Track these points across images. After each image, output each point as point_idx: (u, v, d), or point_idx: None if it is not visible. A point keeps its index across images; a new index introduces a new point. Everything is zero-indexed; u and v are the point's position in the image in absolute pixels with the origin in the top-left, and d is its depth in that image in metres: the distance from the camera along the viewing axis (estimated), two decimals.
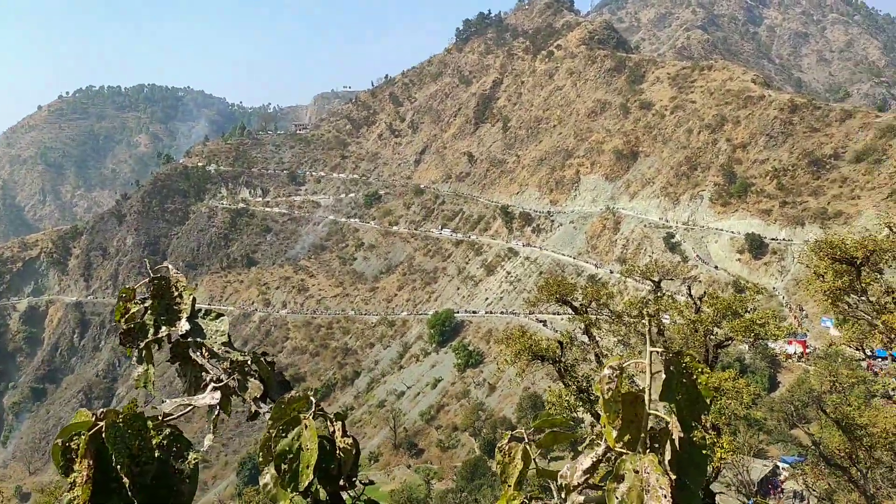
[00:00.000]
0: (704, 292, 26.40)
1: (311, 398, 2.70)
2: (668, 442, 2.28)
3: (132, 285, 3.28)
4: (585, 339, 24.92)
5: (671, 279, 30.63)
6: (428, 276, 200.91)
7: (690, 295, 26.80)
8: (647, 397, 2.31)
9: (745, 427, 46.67)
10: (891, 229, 21.53)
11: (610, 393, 2.33)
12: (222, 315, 3.24)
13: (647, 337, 2.46)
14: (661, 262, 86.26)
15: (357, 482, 2.80)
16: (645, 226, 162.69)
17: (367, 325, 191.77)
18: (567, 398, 21.86)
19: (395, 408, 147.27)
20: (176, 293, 3.23)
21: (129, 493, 2.40)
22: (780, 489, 59.97)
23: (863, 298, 21.77)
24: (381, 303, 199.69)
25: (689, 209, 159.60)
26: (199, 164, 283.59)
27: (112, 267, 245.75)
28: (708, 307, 24.98)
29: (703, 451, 2.39)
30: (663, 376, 2.36)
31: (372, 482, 2.83)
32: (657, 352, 2.35)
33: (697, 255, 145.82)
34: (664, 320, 27.43)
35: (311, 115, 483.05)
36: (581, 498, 2.52)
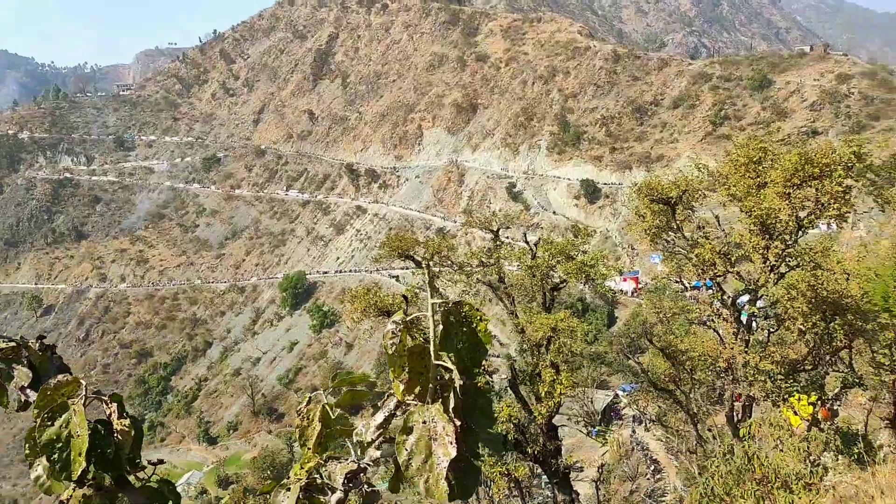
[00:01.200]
0: (539, 238, 27.85)
1: (82, 381, 2.50)
2: (452, 390, 2.30)
3: None
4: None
5: (509, 227, 31.80)
6: (276, 239, 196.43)
7: (527, 241, 28.13)
8: (431, 349, 2.33)
9: (589, 361, 49.90)
10: (699, 170, 23.42)
11: (394, 347, 2.34)
12: None
13: (429, 290, 2.40)
14: (506, 212, 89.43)
15: (144, 463, 2.64)
16: (488, 177, 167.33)
17: (216, 294, 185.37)
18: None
19: (251, 375, 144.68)
20: None
21: None
22: (620, 415, 64.98)
23: (678, 235, 23.60)
24: (229, 269, 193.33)
25: (528, 159, 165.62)
26: (10, 131, 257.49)
27: None
28: (543, 252, 26.37)
29: (487, 395, 2.43)
30: (442, 326, 2.36)
31: (162, 461, 2.78)
32: (437, 303, 2.34)
33: (538, 203, 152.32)
34: (507, 268, 28.62)
35: (135, 75, 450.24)
36: (378, 453, 2.53)
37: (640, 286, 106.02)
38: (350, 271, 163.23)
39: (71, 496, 2.46)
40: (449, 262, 26.52)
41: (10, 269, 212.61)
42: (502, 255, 26.71)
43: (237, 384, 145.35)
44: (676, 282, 25.39)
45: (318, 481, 2.59)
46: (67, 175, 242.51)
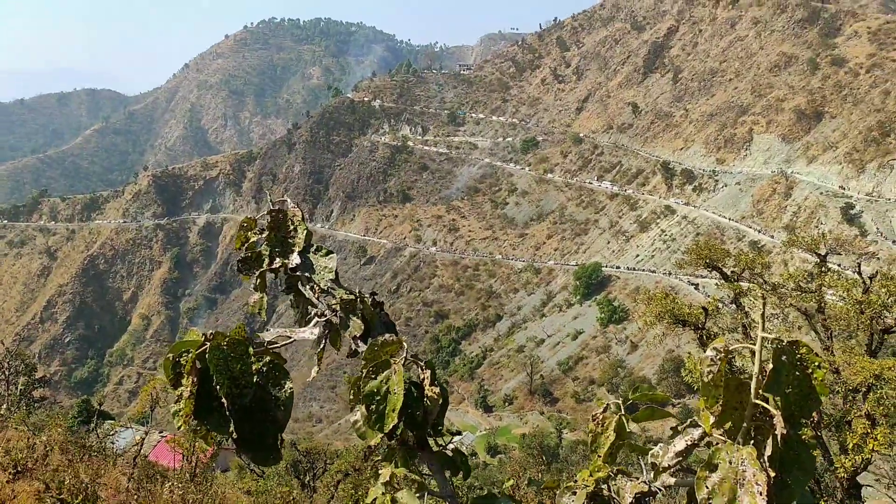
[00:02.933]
0: (877, 271, 24.13)
1: (404, 343, 2.70)
2: (771, 436, 2.09)
3: (252, 215, 3.40)
4: (734, 308, 23.65)
5: (839, 253, 28.11)
6: (578, 227, 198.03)
7: (860, 272, 24.58)
8: (753, 386, 2.13)
9: None
10: None
11: (710, 376, 2.16)
12: (332, 252, 3.30)
13: (761, 321, 2.18)
14: (837, 235, 79.85)
15: (443, 430, 2.82)
16: (822, 193, 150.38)
17: (513, 271, 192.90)
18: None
19: (533, 354, 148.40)
20: (291, 227, 3.31)
21: (228, 413, 2.51)
22: None
23: None
24: (529, 249, 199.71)
25: (875, 179, 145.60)
26: (366, 98, 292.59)
27: (280, 192, 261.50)
28: (879, 287, 22.84)
29: (811, 452, 2.21)
30: (772, 366, 2.15)
31: (459, 433, 2.89)
32: (769, 338, 2.14)
33: (878, 230, 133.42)
34: (829, 297, 25.41)
35: (476, 56, 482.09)
36: (672, 480, 2.40)
37: None
38: (648, 271, 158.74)
39: (378, 445, 2.72)
40: (761, 280, 24.21)
41: (346, 220, 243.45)
42: (826, 282, 23.68)
43: (519, 360, 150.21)
44: None
45: (605, 492, 2.57)
46: (404, 142, 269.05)
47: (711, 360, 2.18)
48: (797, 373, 2.19)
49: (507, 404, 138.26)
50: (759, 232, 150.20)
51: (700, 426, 2.29)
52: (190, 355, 2.53)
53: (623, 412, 2.59)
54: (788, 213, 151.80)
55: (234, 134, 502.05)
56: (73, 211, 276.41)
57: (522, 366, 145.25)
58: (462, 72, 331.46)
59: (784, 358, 2.18)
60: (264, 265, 3.22)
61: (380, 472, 2.81)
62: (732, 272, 24.34)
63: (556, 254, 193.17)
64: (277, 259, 3.19)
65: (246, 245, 3.34)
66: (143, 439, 30.00)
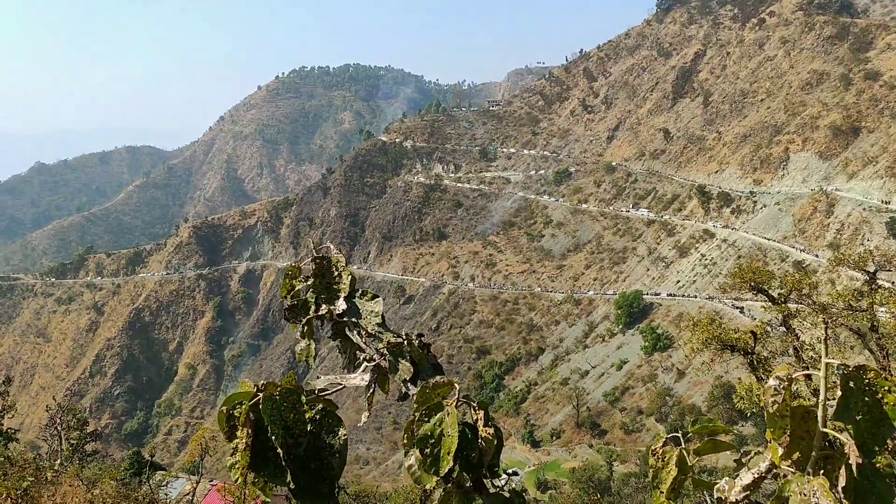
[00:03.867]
0: None
1: (456, 384, 2.70)
2: (844, 466, 2.03)
3: (297, 263, 3.45)
4: (784, 330, 23.08)
5: (889, 270, 27.35)
6: (616, 256, 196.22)
7: None
8: (820, 414, 2.08)
9: None
10: None
11: (776, 406, 2.12)
12: (377, 296, 3.33)
13: (824, 347, 2.14)
14: (884, 251, 77.75)
15: (501, 472, 2.77)
16: (864, 209, 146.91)
17: (553, 303, 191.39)
18: (758, 394, 20.41)
19: (578, 386, 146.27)
20: (336, 273, 3.36)
21: (283, 463, 2.50)
22: None
23: None
24: (568, 281, 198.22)
25: None
26: (397, 140, 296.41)
27: (317, 236, 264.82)
28: None
29: (888, 481, 2.10)
30: (840, 392, 2.09)
31: (517, 473, 2.88)
32: (835, 363, 2.10)
33: None
34: (882, 315, 24.68)
35: (504, 92, 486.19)
36: None
37: None
38: (690, 296, 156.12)
39: (434, 488, 2.67)
40: (809, 301, 23.63)
41: (384, 260, 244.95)
42: (878, 299, 23.01)
43: (564, 393, 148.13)
44: None
45: None
46: (437, 180, 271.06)
47: (775, 389, 2.12)
48: (866, 398, 2.11)
49: (554, 438, 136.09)
50: (803, 251, 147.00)
51: (767, 458, 2.22)
52: (243, 407, 2.52)
53: (683, 446, 2.53)
54: (832, 231, 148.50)
55: (269, 182, 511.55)
56: (118, 265, 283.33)
57: (568, 399, 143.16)
58: (491, 108, 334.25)
59: (852, 384, 2.11)
60: (311, 312, 3.26)
61: None
62: (779, 294, 23.82)
63: (595, 283, 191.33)
64: (323, 306, 3.23)
65: (292, 293, 3.39)
66: (195, 488, 30.18)
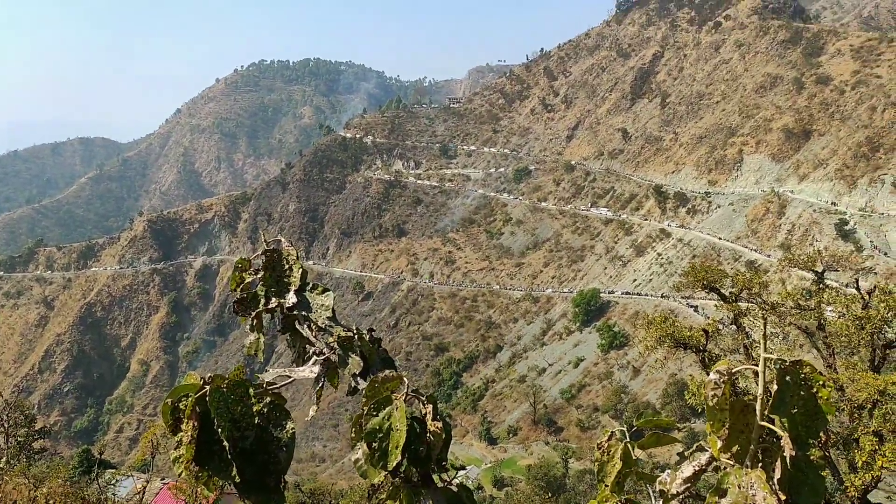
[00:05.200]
0: (875, 286, 24.12)
1: (405, 379, 2.68)
2: (780, 459, 2.08)
3: (247, 256, 3.39)
4: (735, 328, 23.60)
5: (835, 269, 28.12)
6: (575, 254, 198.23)
7: (858, 288, 24.59)
8: (758, 408, 2.11)
9: None
10: None
11: (715, 400, 2.16)
12: (328, 290, 3.28)
13: (763, 342, 2.19)
14: (833, 252, 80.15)
15: (448, 465, 2.76)
16: (814, 211, 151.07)
17: (512, 300, 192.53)
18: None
19: (535, 384, 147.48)
20: (287, 266, 3.29)
21: (229, 456, 2.47)
22: None
23: None
24: (527, 278, 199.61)
25: (867, 194, 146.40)
26: (357, 135, 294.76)
27: (276, 231, 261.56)
28: (877, 302, 22.83)
29: (820, 472, 2.17)
30: (776, 387, 2.13)
31: (463, 467, 2.84)
32: (772, 359, 2.13)
33: (874, 245, 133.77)
34: (829, 314, 25.38)
35: (465, 89, 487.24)
36: None
37: None
38: (646, 295, 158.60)
39: (382, 483, 2.66)
40: (759, 300, 24.18)
41: (342, 256, 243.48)
42: (825, 299, 23.66)
43: (521, 390, 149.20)
44: None
45: None
46: (397, 177, 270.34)
47: (715, 383, 2.16)
48: (802, 392, 2.16)
49: (511, 435, 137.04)
50: (755, 251, 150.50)
51: (707, 451, 2.27)
52: (189, 399, 2.47)
53: (628, 439, 2.55)
54: (783, 232, 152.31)
55: (227, 176, 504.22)
56: (69, 259, 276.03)
57: (525, 396, 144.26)
58: (452, 105, 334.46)
59: (788, 378, 2.15)
60: (260, 306, 3.20)
61: None
62: (731, 293, 24.34)
63: (553, 281, 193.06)
64: (274, 299, 3.17)
65: (241, 286, 3.33)
66: (145, 488, 29.61)
